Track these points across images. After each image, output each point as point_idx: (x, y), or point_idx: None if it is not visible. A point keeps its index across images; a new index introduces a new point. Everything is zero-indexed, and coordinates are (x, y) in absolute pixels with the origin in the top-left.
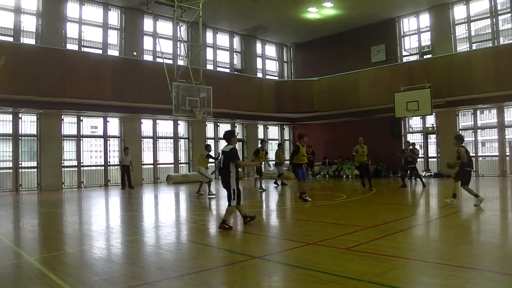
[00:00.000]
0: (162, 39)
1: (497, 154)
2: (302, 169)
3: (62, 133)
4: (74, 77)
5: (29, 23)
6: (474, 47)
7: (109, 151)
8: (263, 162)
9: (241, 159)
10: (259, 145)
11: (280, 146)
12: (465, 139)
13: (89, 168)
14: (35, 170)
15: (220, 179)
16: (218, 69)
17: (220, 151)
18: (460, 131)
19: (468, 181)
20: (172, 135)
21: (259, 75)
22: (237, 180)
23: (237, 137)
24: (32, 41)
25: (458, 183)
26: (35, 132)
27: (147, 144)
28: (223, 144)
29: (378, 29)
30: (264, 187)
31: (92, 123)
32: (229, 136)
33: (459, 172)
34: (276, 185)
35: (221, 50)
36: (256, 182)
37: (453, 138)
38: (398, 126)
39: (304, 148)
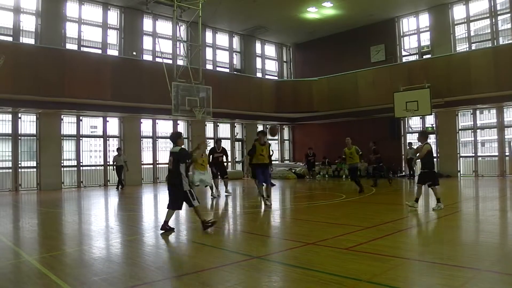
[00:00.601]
0: (161, 39)
1: (496, 154)
2: (263, 170)
3: (62, 133)
4: (73, 77)
5: (29, 23)
6: (473, 47)
7: (109, 151)
8: None
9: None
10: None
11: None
12: (464, 139)
13: (88, 168)
14: (35, 170)
15: (167, 182)
16: (218, 69)
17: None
18: (460, 131)
19: (424, 182)
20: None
21: (259, 75)
22: (189, 180)
23: (237, 137)
24: (31, 41)
25: (436, 188)
26: (34, 132)
27: (146, 144)
28: (222, 144)
29: (378, 29)
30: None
31: (91, 123)
32: (176, 137)
33: (425, 174)
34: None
35: (221, 50)
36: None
37: (418, 134)
38: (397, 126)
39: (265, 147)
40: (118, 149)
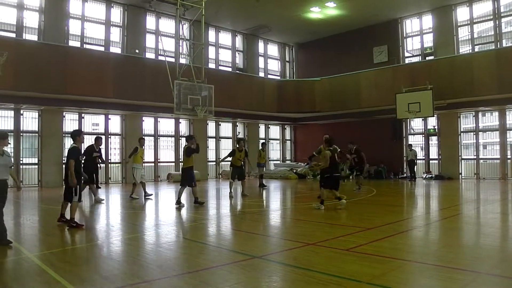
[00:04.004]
0: (164, 37)
1: (498, 156)
2: (191, 172)
3: (64, 130)
4: (76, 74)
5: (32, 20)
6: (476, 49)
7: (110, 148)
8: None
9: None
10: (261, 146)
11: (264, 145)
12: (465, 141)
13: None
14: (36, 166)
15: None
16: (220, 68)
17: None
18: (462, 133)
19: (330, 185)
20: (173, 133)
21: (261, 74)
22: (79, 177)
23: (239, 136)
24: (34, 38)
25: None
26: (36, 129)
27: (148, 142)
28: (223, 143)
29: (381, 30)
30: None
31: (93, 120)
32: (75, 135)
33: (322, 177)
34: (264, 187)
35: (223, 49)
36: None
37: (324, 141)
38: (399, 128)
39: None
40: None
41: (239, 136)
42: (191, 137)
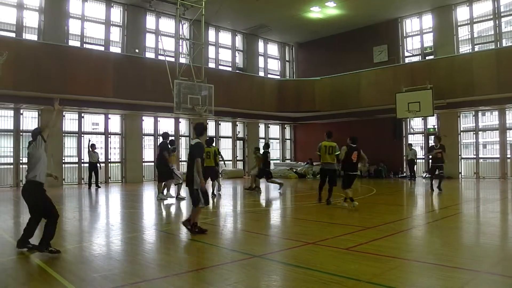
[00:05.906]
0: (164, 36)
1: (498, 156)
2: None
3: (63, 130)
4: (75, 74)
5: (32, 19)
6: (476, 49)
7: (110, 148)
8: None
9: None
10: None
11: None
12: (465, 141)
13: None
14: None
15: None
16: (220, 67)
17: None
18: (462, 133)
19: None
20: (173, 133)
21: (261, 74)
22: (200, 180)
23: (238, 136)
24: (34, 37)
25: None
26: None
27: (148, 142)
28: (224, 142)
29: (381, 29)
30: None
31: (93, 120)
32: (202, 129)
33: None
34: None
35: (223, 49)
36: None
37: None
38: (399, 127)
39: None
40: (92, 145)
41: (239, 135)
42: (212, 140)
